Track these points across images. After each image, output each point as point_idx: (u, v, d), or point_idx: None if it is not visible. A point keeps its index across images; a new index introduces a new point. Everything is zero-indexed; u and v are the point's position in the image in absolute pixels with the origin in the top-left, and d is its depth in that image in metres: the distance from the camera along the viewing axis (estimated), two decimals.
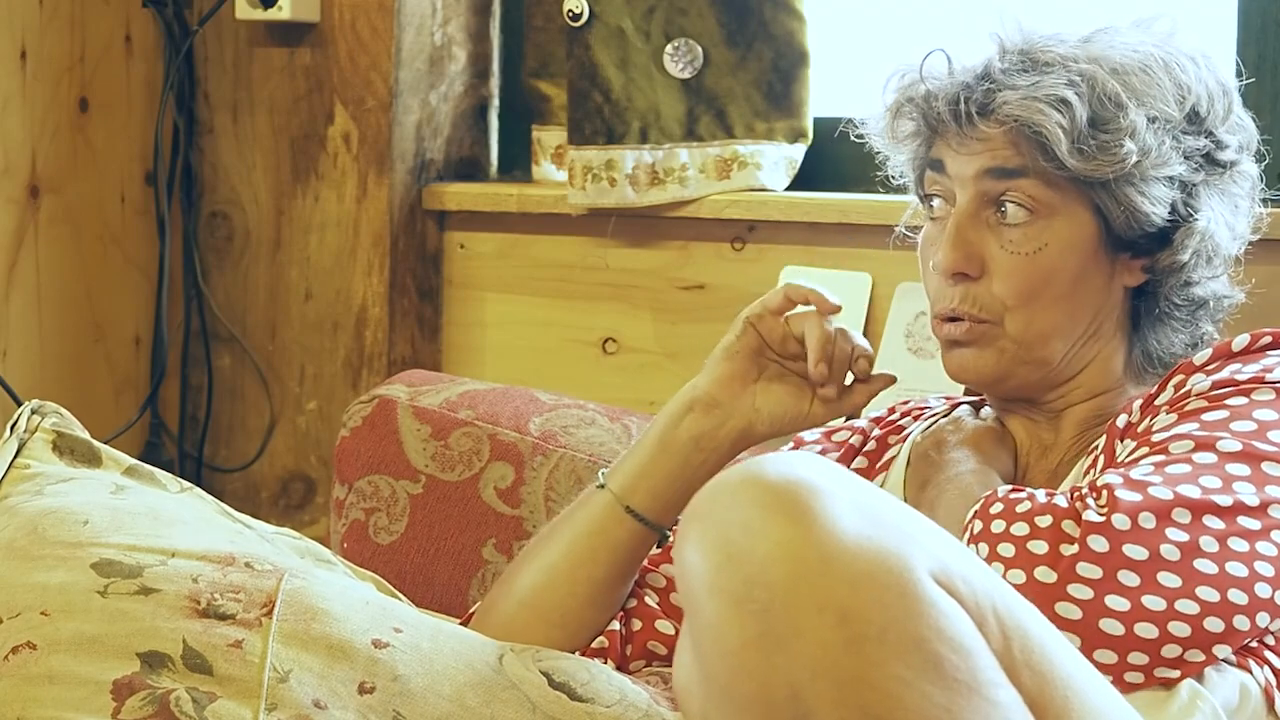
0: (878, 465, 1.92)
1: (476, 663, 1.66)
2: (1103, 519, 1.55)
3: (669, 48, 2.58)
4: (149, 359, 2.94)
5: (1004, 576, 1.53)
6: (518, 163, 2.84)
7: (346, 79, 2.78)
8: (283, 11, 2.77)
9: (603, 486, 1.81)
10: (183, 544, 1.69)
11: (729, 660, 1.33)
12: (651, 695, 1.70)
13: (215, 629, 1.60)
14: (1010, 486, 1.64)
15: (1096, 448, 1.75)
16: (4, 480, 1.79)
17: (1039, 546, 1.54)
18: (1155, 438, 1.65)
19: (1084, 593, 1.52)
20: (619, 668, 1.82)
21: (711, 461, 1.79)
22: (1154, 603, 1.54)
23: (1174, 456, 1.62)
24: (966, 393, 1.96)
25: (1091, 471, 1.73)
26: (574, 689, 1.66)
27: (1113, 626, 1.52)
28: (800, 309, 1.78)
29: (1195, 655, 1.55)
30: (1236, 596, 1.55)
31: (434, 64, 2.80)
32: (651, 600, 1.86)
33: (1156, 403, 1.72)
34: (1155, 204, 1.75)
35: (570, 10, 2.57)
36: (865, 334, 2.48)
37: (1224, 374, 1.70)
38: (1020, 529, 1.57)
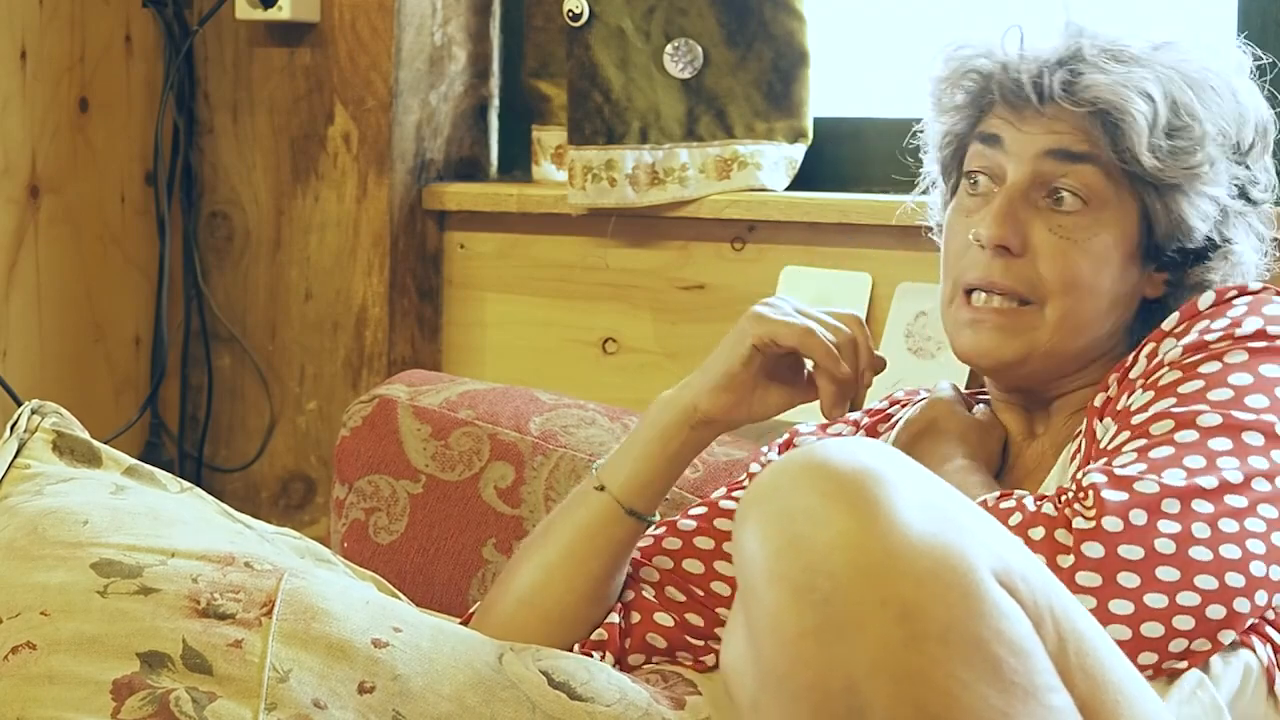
0: None
1: (476, 662, 1.65)
2: (1093, 524, 1.55)
3: (669, 48, 2.58)
4: (149, 359, 2.94)
5: None
6: (518, 163, 2.84)
7: (346, 79, 2.79)
8: (283, 11, 2.77)
9: (601, 488, 1.81)
10: (182, 544, 1.69)
11: (786, 649, 1.32)
12: (651, 694, 1.70)
13: (215, 629, 1.60)
14: (999, 494, 1.63)
15: (1080, 430, 1.75)
16: (4, 480, 1.79)
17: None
18: (1135, 419, 1.65)
19: (1088, 602, 1.52)
20: (617, 661, 1.82)
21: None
22: (1156, 600, 1.54)
23: (1155, 439, 1.61)
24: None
25: (1077, 457, 1.73)
26: (573, 688, 1.66)
27: (1119, 632, 1.53)
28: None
29: (1202, 645, 1.56)
30: (1234, 580, 1.55)
31: (434, 64, 2.80)
32: (648, 594, 1.86)
33: (1131, 375, 1.72)
34: (1201, 219, 1.75)
35: (570, 10, 2.57)
36: None
37: (1193, 336, 1.69)
38: None
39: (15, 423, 1.84)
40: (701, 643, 1.84)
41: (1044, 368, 1.78)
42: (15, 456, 1.80)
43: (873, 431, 1.93)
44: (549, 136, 2.76)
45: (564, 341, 2.72)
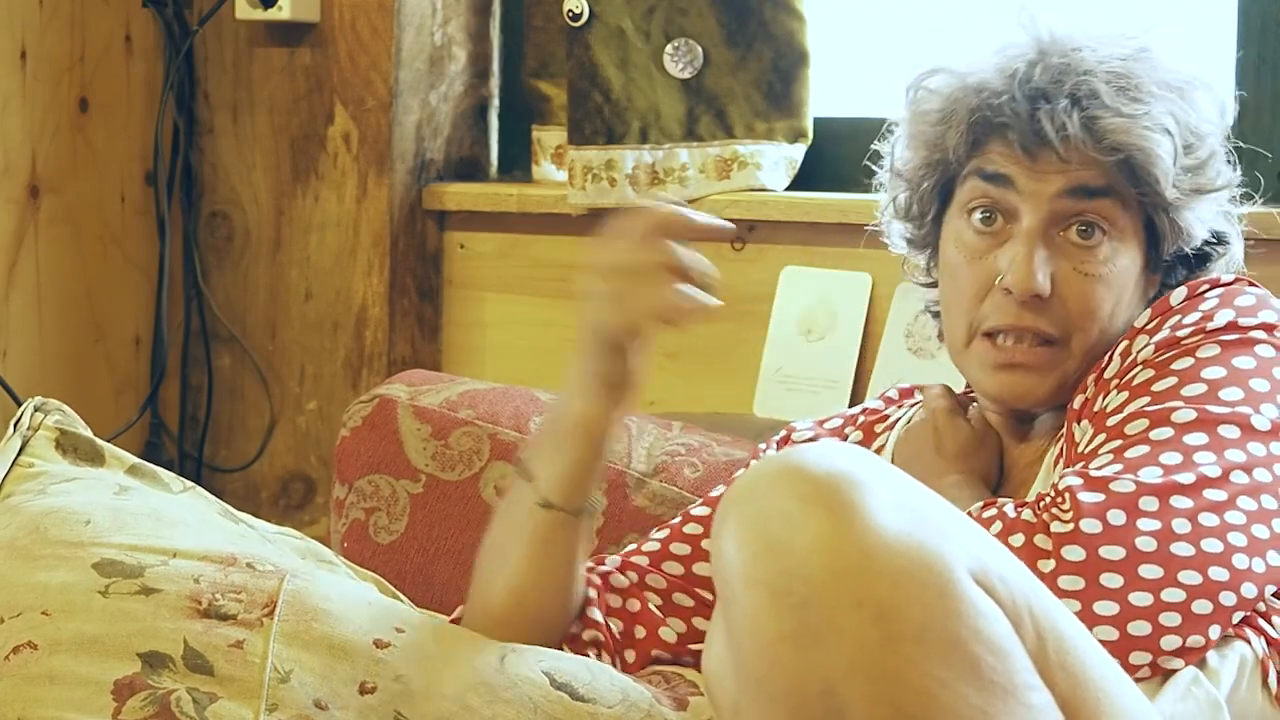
0: None
1: (478, 663, 1.65)
2: (1071, 527, 1.55)
3: (669, 48, 2.58)
4: (149, 359, 2.94)
5: None
6: (518, 163, 2.84)
7: (346, 79, 2.79)
8: (283, 11, 2.77)
9: (547, 504, 1.75)
10: (184, 544, 1.69)
11: (764, 652, 1.32)
12: (653, 695, 1.70)
13: (216, 629, 1.60)
14: (981, 503, 1.63)
15: (1062, 434, 1.75)
16: (7, 478, 1.79)
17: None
18: (1110, 421, 1.64)
19: (1072, 606, 1.51)
20: (614, 660, 1.82)
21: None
22: (1141, 599, 1.54)
23: (1131, 439, 1.61)
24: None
25: (1060, 461, 1.73)
26: (576, 689, 1.66)
27: (1107, 633, 1.52)
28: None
29: (1195, 641, 1.55)
30: (1218, 574, 1.55)
31: (434, 64, 2.80)
32: (655, 604, 1.85)
33: (1106, 375, 1.71)
34: (1200, 226, 1.76)
35: (570, 10, 2.57)
36: (865, 334, 2.48)
37: (1165, 333, 1.69)
38: None
39: (19, 420, 1.84)
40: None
41: (1070, 391, 1.77)
42: (19, 454, 1.80)
43: (869, 431, 1.93)
44: (549, 136, 2.76)
45: (564, 341, 2.71)
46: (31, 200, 2.80)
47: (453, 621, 1.83)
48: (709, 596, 1.85)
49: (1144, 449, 1.60)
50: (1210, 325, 1.68)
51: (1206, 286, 1.72)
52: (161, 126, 2.89)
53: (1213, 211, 1.77)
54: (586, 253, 1.70)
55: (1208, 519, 1.56)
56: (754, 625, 1.33)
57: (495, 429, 2.21)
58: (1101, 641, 1.50)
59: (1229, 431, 1.61)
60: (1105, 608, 1.53)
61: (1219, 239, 1.78)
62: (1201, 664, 1.58)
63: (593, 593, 1.81)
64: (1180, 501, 1.56)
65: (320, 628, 1.62)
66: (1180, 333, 1.68)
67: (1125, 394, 1.66)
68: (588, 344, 1.70)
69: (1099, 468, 1.59)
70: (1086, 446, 1.65)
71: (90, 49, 2.85)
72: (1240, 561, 1.56)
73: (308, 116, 2.82)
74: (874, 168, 1.92)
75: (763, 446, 2.01)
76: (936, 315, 1.88)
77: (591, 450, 1.72)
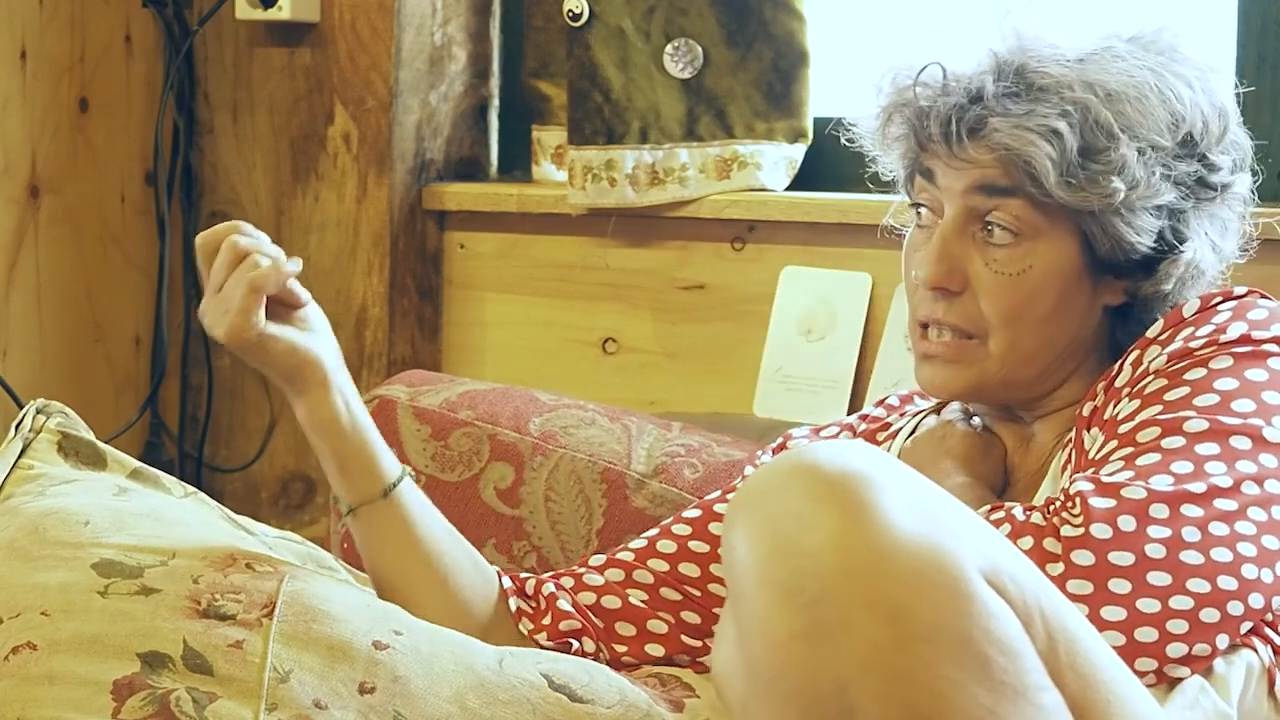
0: None
1: (477, 665, 1.65)
2: (1081, 531, 1.55)
3: (669, 48, 2.58)
4: (149, 359, 2.94)
5: None
6: (518, 163, 2.84)
7: (346, 79, 2.79)
8: (283, 11, 2.77)
9: (352, 509, 1.76)
10: (183, 545, 1.69)
11: (776, 652, 1.32)
12: (651, 696, 1.70)
13: (215, 629, 1.60)
14: (989, 507, 1.63)
15: (1070, 440, 1.75)
16: (8, 480, 1.79)
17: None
18: (1122, 428, 1.64)
19: (1079, 610, 1.51)
20: (599, 649, 1.82)
21: (351, 399, 1.75)
22: (1148, 605, 1.54)
23: (1142, 446, 1.61)
24: None
25: (1068, 468, 1.73)
26: (574, 690, 1.66)
27: (1113, 638, 1.52)
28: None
29: (1202, 649, 1.55)
30: (1226, 583, 1.55)
31: (434, 64, 2.80)
32: (638, 599, 1.85)
33: (1117, 384, 1.71)
34: (1141, 234, 1.73)
35: (570, 10, 2.57)
36: (865, 334, 2.49)
37: (1178, 344, 1.68)
38: None
39: (20, 422, 1.84)
40: (699, 643, 1.84)
41: (1006, 394, 1.78)
42: (20, 457, 1.80)
43: (870, 439, 1.93)
44: (549, 136, 2.76)
45: (564, 341, 2.72)
46: (31, 200, 2.80)
47: None
48: (695, 593, 1.85)
49: (1155, 457, 1.60)
50: (1223, 337, 1.67)
51: (1219, 299, 1.72)
52: (161, 126, 2.89)
53: (1153, 220, 1.73)
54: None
55: (1218, 528, 1.56)
56: (765, 624, 1.33)
57: (495, 429, 2.21)
58: None
59: (1240, 442, 1.61)
60: (1113, 613, 1.53)
61: (1170, 247, 1.75)
62: (1209, 672, 1.58)
63: (563, 596, 1.83)
64: (1191, 510, 1.56)
65: (319, 628, 1.62)
66: (1193, 344, 1.68)
67: (1137, 402, 1.66)
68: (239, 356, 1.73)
69: (1110, 474, 1.59)
70: (1097, 453, 1.65)
71: (90, 49, 2.85)
72: (1249, 571, 1.56)
73: (308, 116, 2.82)
74: (874, 168, 1.93)
75: (760, 453, 2.01)
76: None
77: (333, 438, 1.74)
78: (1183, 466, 1.59)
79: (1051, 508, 1.58)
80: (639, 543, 1.89)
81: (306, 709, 1.57)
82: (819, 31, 2.57)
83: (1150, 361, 1.69)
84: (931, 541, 1.32)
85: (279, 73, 2.84)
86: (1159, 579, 1.54)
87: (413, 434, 2.23)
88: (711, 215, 2.57)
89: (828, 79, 2.59)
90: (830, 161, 2.57)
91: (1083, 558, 1.54)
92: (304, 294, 1.72)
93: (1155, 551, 1.54)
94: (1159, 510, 1.56)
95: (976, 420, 1.85)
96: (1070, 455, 1.73)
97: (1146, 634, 1.54)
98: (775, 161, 2.58)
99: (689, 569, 1.86)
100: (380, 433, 2.23)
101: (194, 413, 2.92)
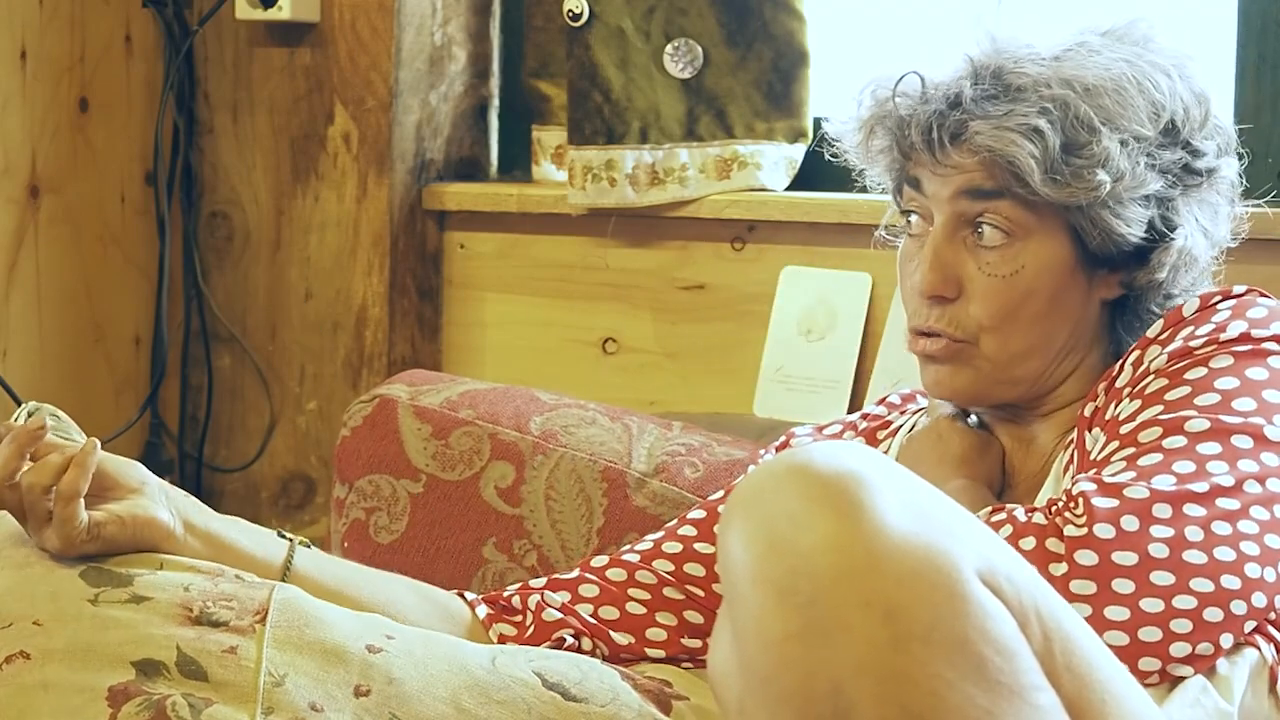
0: None
1: (470, 665, 1.65)
2: (1084, 531, 1.55)
3: (669, 48, 2.58)
4: (149, 359, 2.94)
5: None
6: (518, 163, 2.84)
7: (346, 79, 2.78)
8: (283, 11, 2.77)
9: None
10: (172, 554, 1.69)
11: (770, 651, 1.32)
12: (642, 695, 1.70)
13: (209, 635, 1.60)
14: (990, 508, 1.63)
15: (1072, 441, 1.75)
16: None
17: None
18: (1123, 429, 1.65)
19: (1083, 610, 1.52)
20: (594, 643, 1.83)
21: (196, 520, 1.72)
22: (1152, 605, 1.54)
23: (1144, 447, 1.61)
24: None
25: (1070, 468, 1.73)
26: (568, 689, 1.66)
27: (1117, 638, 1.52)
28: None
29: (1205, 649, 1.55)
30: (1229, 582, 1.55)
31: (434, 64, 2.80)
32: (637, 609, 1.85)
33: (1118, 384, 1.71)
34: (1131, 225, 1.73)
35: (570, 10, 2.57)
36: (865, 334, 2.49)
37: (1177, 343, 1.69)
38: None
39: None
40: (700, 643, 1.84)
41: (1006, 394, 1.79)
42: None
43: (871, 438, 1.93)
44: (549, 136, 2.76)
45: (564, 341, 2.72)
46: (31, 200, 2.80)
47: None
48: (699, 594, 1.85)
49: (1157, 457, 1.60)
50: (1223, 336, 1.68)
51: (1219, 298, 1.72)
52: (161, 126, 2.89)
53: (1142, 210, 1.74)
54: None
55: (1220, 527, 1.56)
56: (760, 624, 1.33)
57: (495, 429, 2.21)
58: (1112, 646, 1.50)
59: (1242, 441, 1.61)
60: (1116, 613, 1.53)
61: (1161, 236, 1.75)
62: (1212, 671, 1.58)
63: (550, 609, 1.83)
64: (1193, 509, 1.56)
65: (313, 633, 1.62)
66: (1193, 343, 1.68)
67: (1138, 402, 1.66)
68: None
69: (1113, 474, 1.59)
70: (1099, 454, 1.66)
71: (90, 49, 2.85)
72: (1252, 570, 1.56)
73: (308, 116, 2.82)
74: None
75: (763, 452, 2.01)
76: None
77: (212, 560, 1.70)
78: (1185, 466, 1.59)
79: (1054, 508, 1.59)
80: (644, 544, 1.89)
81: (302, 712, 1.57)
82: (819, 31, 2.57)
83: (1151, 361, 1.69)
84: (926, 541, 1.32)
85: (279, 73, 2.84)
86: (1162, 578, 1.54)
87: (413, 433, 2.23)
88: (711, 215, 2.57)
89: (828, 79, 2.59)
90: (830, 161, 2.56)
91: (1086, 557, 1.54)
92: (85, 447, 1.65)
93: (1158, 551, 1.54)
94: (1162, 510, 1.56)
95: (974, 418, 1.86)
96: (1072, 456, 1.73)
97: (1150, 633, 1.54)
98: (775, 161, 2.57)
99: (694, 569, 1.86)
100: (380, 432, 2.24)
101: (194, 413, 2.93)
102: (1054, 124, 1.70)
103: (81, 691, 1.56)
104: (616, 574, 1.87)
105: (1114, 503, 1.56)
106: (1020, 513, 1.60)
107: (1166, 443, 1.61)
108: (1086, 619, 1.50)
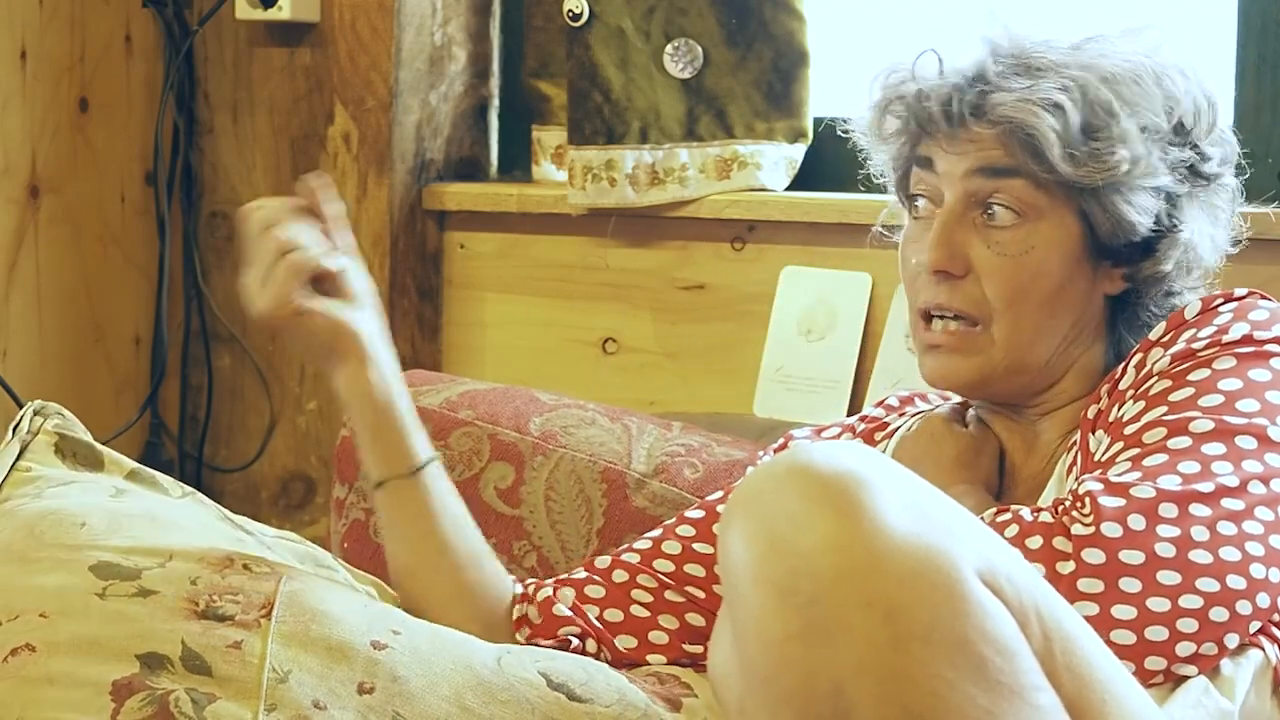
0: None
1: (475, 664, 1.66)
2: (1092, 530, 1.55)
3: (669, 48, 2.58)
4: (149, 359, 2.94)
5: None
6: (518, 163, 2.84)
7: (346, 79, 2.79)
8: (283, 11, 2.77)
9: (380, 483, 1.79)
10: (180, 546, 1.69)
11: (771, 652, 1.32)
12: (649, 695, 1.70)
13: (214, 630, 1.60)
14: (995, 509, 1.63)
15: (1075, 443, 1.75)
16: (5, 482, 1.79)
17: (1036, 570, 1.54)
18: (1128, 430, 1.65)
19: (1089, 609, 1.52)
20: (599, 646, 1.83)
21: (388, 373, 1.78)
22: (1158, 604, 1.54)
23: (1149, 447, 1.62)
24: None
25: (1074, 470, 1.73)
26: (572, 689, 1.66)
27: (1123, 637, 1.53)
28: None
29: (1209, 649, 1.56)
30: (1235, 582, 1.55)
31: (434, 64, 2.80)
32: (640, 611, 1.85)
33: (1121, 386, 1.72)
34: (1141, 213, 1.74)
35: (570, 10, 2.57)
36: (865, 334, 2.49)
37: (1180, 345, 1.69)
38: None
39: (18, 424, 1.84)
40: (700, 648, 1.84)
41: (1011, 384, 1.79)
42: (17, 459, 1.80)
43: (869, 439, 1.93)
44: (549, 136, 2.76)
45: (564, 341, 2.72)
46: (31, 200, 2.80)
47: None
48: (700, 595, 1.85)
49: (1162, 457, 1.60)
50: (1226, 338, 1.68)
51: (1220, 300, 1.73)
52: (161, 126, 2.89)
53: (1152, 200, 1.75)
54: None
55: (1226, 528, 1.57)
56: (761, 624, 1.33)
57: (495, 429, 2.21)
58: (1118, 645, 1.51)
59: (1246, 442, 1.61)
60: (1123, 611, 1.53)
61: (1167, 229, 1.77)
62: (1215, 671, 1.58)
63: (560, 604, 1.83)
64: (1199, 509, 1.57)
65: (318, 629, 1.62)
66: (1196, 345, 1.69)
67: (1142, 404, 1.67)
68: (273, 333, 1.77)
69: (1119, 474, 1.60)
70: (1103, 455, 1.66)
71: (90, 49, 2.86)
72: (1257, 571, 1.57)
73: (308, 116, 2.82)
74: (873, 168, 1.93)
75: (761, 454, 2.01)
76: None
77: (367, 411, 1.77)
78: (1190, 466, 1.59)
79: (1061, 507, 1.59)
80: (643, 543, 1.89)
81: (305, 709, 1.57)
82: (819, 31, 2.57)
83: (1154, 363, 1.70)
84: (927, 541, 1.32)
85: (279, 73, 2.84)
86: (1169, 578, 1.54)
87: None
88: (711, 215, 2.57)
89: (828, 79, 2.59)
90: (830, 161, 2.57)
91: (1094, 556, 1.54)
92: (348, 263, 1.76)
93: (1165, 550, 1.55)
94: (1168, 509, 1.56)
95: (971, 416, 1.86)
96: (1075, 458, 1.73)
97: (1157, 632, 1.54)
98: (775, 161, 2.58)
99: (694, 569, 1.87)
100: None
101: (194, 413, 2.93)
102: (1075, 103, 1.72)
103: (85, 685, 1.56)
104: (620, 575, 1.87)
105: (1121, 502, 1.56)
106: (1027, 512, 1.60)
107: (1171, 443, 1.61)
108: (1094, 617, 1.50)
